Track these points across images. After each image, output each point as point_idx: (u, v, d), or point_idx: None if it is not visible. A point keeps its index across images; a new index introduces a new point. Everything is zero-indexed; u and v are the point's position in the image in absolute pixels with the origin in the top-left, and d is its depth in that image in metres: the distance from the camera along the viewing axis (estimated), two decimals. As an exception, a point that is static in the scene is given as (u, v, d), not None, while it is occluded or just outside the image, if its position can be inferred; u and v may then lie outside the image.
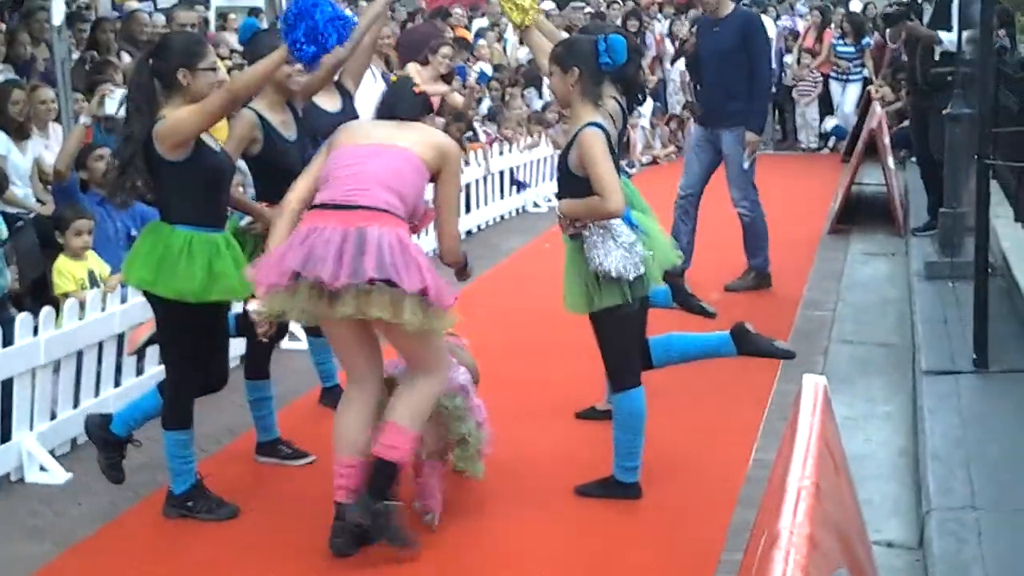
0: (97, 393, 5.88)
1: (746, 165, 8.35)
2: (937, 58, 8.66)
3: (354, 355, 4.54)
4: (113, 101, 7.81)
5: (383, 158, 4.44)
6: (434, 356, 4.51)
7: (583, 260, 4.71)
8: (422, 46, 11.10)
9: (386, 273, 4.17)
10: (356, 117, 5.70)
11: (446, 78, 10.89)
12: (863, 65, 16.10)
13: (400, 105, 4.68)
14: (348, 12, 5.10)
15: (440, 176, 4.58)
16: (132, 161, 4.57)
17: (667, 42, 16.93)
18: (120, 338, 5.95)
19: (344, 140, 4.58)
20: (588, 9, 17.43)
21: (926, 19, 8.78)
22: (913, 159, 12.89)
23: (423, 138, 4.55)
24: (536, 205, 12.24)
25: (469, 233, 10.65)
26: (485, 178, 11.19)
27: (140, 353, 5.87)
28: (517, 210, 12.03)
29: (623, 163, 4.99)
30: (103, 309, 5.83)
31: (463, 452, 4.81)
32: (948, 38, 8.34)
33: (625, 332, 4.85)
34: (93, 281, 6.28)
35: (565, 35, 5.97)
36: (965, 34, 7.82)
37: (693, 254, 8.36)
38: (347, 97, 5.82)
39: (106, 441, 5.00)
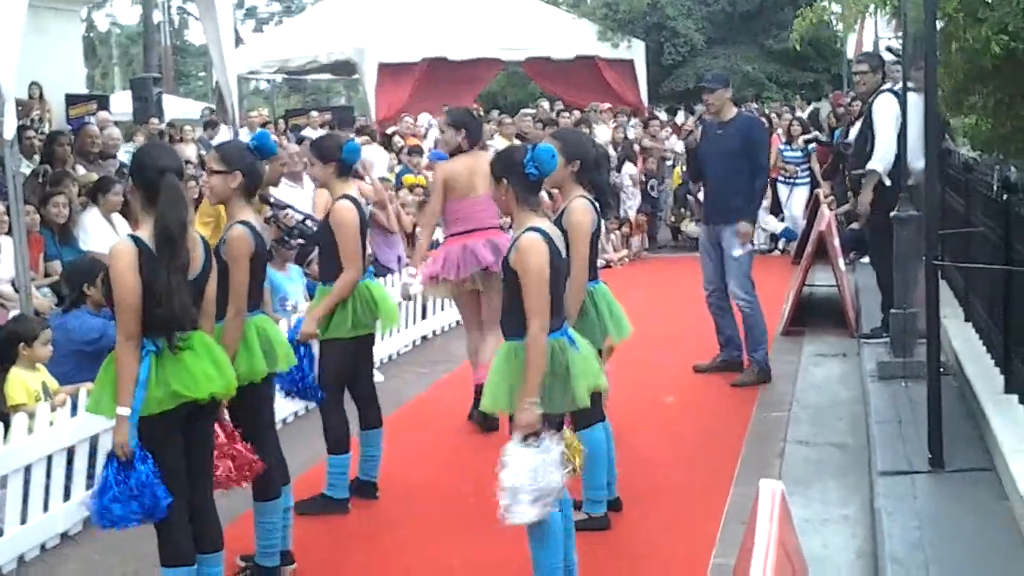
0: (46, 508, 5.77)
1: (735, 254, 8.62)
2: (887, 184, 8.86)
3: (476, 314, 7.66)
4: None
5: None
6: None
7: (515, 363, 4.66)
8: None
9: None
10: None
11: None
12: (809, 169, 16.38)
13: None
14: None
15: None
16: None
17: (608, 148, 17.15)
18: (70, 452, 5.86)
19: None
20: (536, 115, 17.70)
21: (853, 133, 9.05)
22: (863, 260, 13.09)
23: None
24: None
25: (424, 338, 10.66)
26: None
27: None
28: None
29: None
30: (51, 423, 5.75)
31: None
32: (880, 165, 8.65)
33: None
34: (46, 393, 6.19)
35: None
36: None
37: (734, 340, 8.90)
38: None
39: None
